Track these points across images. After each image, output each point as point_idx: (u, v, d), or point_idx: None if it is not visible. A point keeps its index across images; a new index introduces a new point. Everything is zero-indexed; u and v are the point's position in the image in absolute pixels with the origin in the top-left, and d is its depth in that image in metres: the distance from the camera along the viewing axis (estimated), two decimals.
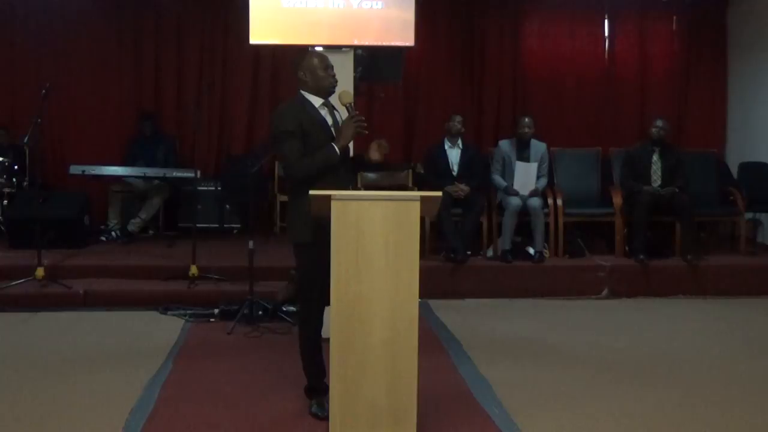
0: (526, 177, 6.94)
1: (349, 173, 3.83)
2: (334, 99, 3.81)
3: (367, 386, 3.37)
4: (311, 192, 3.43)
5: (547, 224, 6.92)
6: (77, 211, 7.15)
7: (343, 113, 3.79)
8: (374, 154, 3.78)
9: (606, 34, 8.74)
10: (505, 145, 7.18)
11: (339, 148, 3.64)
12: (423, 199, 3.42)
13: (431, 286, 5.82)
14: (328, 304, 3.44)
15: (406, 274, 3.37)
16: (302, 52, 4.01)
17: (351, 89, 5.06)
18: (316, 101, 3.76)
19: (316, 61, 3.78)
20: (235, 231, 8.07)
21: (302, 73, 3.77)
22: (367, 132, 3.65)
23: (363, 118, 3.66)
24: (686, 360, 4.90)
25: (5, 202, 7.40)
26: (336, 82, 3.78)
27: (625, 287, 6.62)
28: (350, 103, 3.69)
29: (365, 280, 3.36)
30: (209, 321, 5.61)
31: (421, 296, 3.44)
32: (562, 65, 8.64)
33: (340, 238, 3.37)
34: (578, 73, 8.65)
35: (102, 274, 6.36)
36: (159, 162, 7.73)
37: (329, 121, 3.76)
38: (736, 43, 8.63)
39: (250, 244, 5.54)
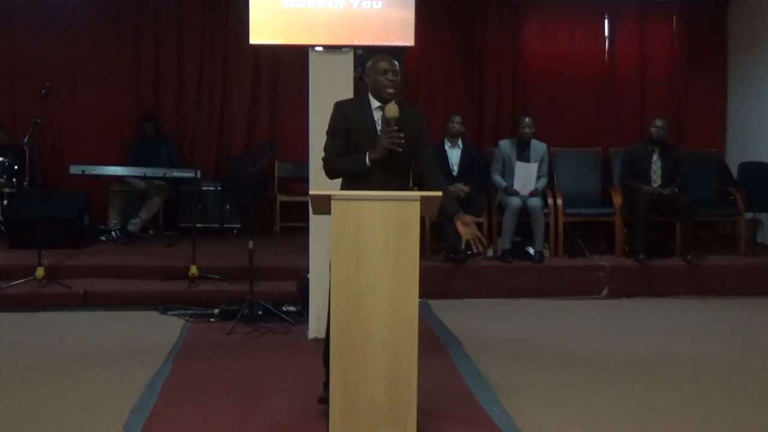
0: (526, 177, 6.94)
1: (386, 180, 3.67)
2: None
3: (367, 386, 3.37)
4: (311, 192, 3.48)
5: (547, 224, 6.93)
6: (77, 211, 7.15)
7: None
8: None
9: (606, 34, 8.74)
10: (505, 145, 7.18)
11: (371, 159, 3.64)
12: (423, 199, 3.42)
13: (431, 286, 5.82)
14: None
15: (406, 274, 3.37)
16: (371, 55, 3.98)
17: (351, 89, 5.09)
18: (374, 104, 3.78)
19: (373, 64, 3.78)
20: (235, 231, 8.07)
21: (366, 76, 3.82)
22: (400, 149, 3.62)
23: (401, 135, 3.62)
24: (686, 360, 4.90)
25: (5, 202, 7.40)
26: (392, 85, 3.72)
27: (625, 287, 6.61)
28: (392, 118, 3.65)
29: (365, 280, 3.36)
30: (209, 321, 5.60)
31: (421, 296, 3.45)
32: (562, 65, 8.64)
33: (340, 238, 3.37)
34: (578, 73, 8.64)
35: (102, 274, 6.36)
36: (163, 162, 7.73)
37: (379, 126, 3.73)
38: (736, 43, 8.63)
39: (250, 244, 5.54)
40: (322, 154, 3.83)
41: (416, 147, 3.77)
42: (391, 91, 3.72)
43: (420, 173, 3.82)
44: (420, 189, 3.78)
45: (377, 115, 3.75)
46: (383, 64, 3.74)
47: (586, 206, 7.36)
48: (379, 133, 3.71)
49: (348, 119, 3.76)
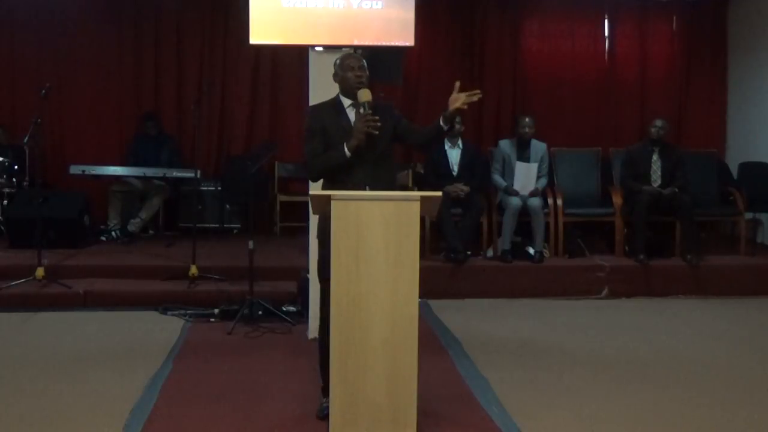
0: (526, 177, 6.93)
1: (369, 175, 3.69)
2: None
3: (367, 386, 3.38)
4: (311, 192, 3.50)
5: (547, 224, 6.92)
6: (77, 211, 7.15)
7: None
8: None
9: (606, 34, 8.74)
10: (505, 145, 7.18)
11: (349, 148, 3.63)
12: (423, 199, 3.42)
13: (431, 286, 5.82)
14: None
15: (406, 274, 3.37)
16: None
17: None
18: (346, 102, 3.80)
19: (340, 63, 3.84)
20: (235, 231, 8.08)
21: (334, 76, 3.85)
22: (377, 132, 3.62)
23: (376, 118, 3.62)
24: (686, 360, 4.90)
25: (5, 202, 7.39)
26: (360, 80, 3.74)
27: (625, 287, 6.61)
28: (366, 102, 3.66)
29: (365, 280, 3.36)
30: (209, 321, 5.61)
31: (421, 296, 3.45)
32: (562, 65, 8.64)
33: (340, 238, 3.37)
34: (578, 73, 8.64)
35: (102, 274, 6.35)
36: (163, 163, 7.72)
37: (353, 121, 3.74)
38: (736, 43, 8.63)
39: (250, 244, 5.54)
40: None
41: (396, 130, 3.79)
42: (360, 86, 3.73)
43: (413, 139, 3.89)
44: (424, 146, 3.88)
45: (351, 114, 3.76)
46: (350, 62, 3.80)
47: (586, 206, 7.36)
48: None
49: (323, 121, 3.76)
